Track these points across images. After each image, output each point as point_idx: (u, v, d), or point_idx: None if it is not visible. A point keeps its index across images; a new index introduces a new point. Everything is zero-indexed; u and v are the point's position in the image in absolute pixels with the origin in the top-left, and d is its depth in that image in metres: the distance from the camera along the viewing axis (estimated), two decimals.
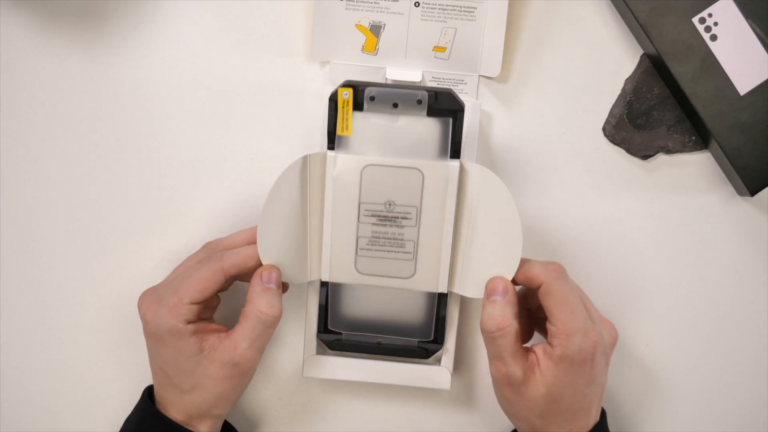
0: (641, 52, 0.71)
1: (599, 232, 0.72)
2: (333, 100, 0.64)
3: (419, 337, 0.69)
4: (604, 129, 0.72)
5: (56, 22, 0.71)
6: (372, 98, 0.64)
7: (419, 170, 0.63)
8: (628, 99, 0.71)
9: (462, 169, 0.63)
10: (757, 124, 0.68)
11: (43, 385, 0.73)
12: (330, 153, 0.64)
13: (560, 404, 0.61)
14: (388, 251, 0.65)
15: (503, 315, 0.61)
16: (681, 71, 0.68)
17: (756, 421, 0.73)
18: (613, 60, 0.71)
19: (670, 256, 0.72)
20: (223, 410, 0.64)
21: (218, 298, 0.67)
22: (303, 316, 0.71)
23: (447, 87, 0.68)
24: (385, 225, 0.65)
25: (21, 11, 0.71)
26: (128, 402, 0.72)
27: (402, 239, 0.65)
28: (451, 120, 0.64)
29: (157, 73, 0.71)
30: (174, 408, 0.64)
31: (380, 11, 0.69)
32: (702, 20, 0.68)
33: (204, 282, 0.62)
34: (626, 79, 0.71)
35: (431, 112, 0.64)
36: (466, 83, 0.70)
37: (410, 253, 0.65)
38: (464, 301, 0.71)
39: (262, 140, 0.71)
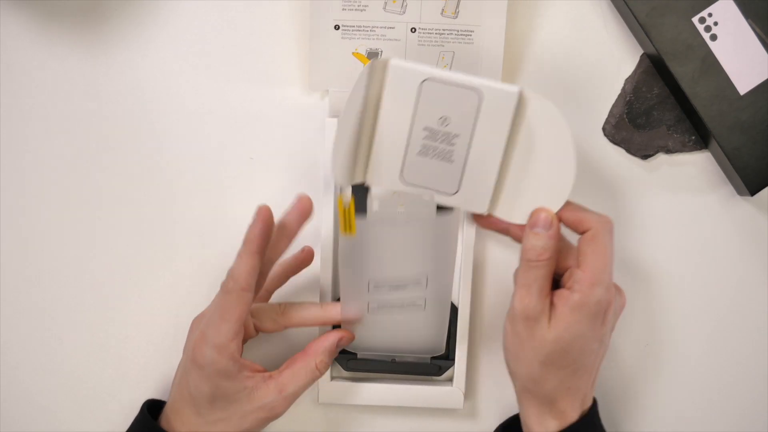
0: (641, 51, 0.71)
1: None
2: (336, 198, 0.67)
3: (431, 353, 0.70)
4: (604, 129, 0.72)
5: (56, 22, 0.71)
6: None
7: (478, 90, 0.61)
8: (628, 99, 0.71)
9: (522, 96, 0.61)
10: (757, 124, 0.68)
11: (43, 385, 0.72)
12: (392, 61, 0.62)
13: (565, 355, 0.60)
14: (436, 165, 0.64)
15: (545, 247, 0.60)
16: (681, 71, 0.68)
17: (756, 421, 0.73)
18: (613, 60, 0.71)
19: (669, 255, 0.72)
20: None
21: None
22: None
23: None
24: (436, 140, 0.63)
25: (21, 11, 0.71)
26: (128, 402, 0.72)
27: (451, 156, 0.63)
28: None
29: (157, 73, 0.71)
30: (184, 427, 0.64)
31: (376, 38, 0.69)
32: (702, 20, 0.68)
33: (232, 312, 0.61)
34: (626, 79, 0.71)
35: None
36: None
37: (458, 170, 0.64)
38: (474, 319, 0.72)
39: (262, 139, 0.71)
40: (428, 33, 0.69)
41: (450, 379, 0.71)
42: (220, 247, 0.71)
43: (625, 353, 0.73)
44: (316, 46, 0.69)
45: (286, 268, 0.69)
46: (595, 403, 0.64)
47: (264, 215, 0.61)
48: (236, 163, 0.71)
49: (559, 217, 0.62)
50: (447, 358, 0.71)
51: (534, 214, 0.61)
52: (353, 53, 0.69)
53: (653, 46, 0.68)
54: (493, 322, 0.72)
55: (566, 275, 0.61)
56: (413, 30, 0.69)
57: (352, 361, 0.70)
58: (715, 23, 0.68)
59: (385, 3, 0.68)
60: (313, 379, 0.64)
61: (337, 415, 0.73)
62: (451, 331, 0.70)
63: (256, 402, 0.62)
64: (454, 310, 0.70)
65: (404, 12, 0.68)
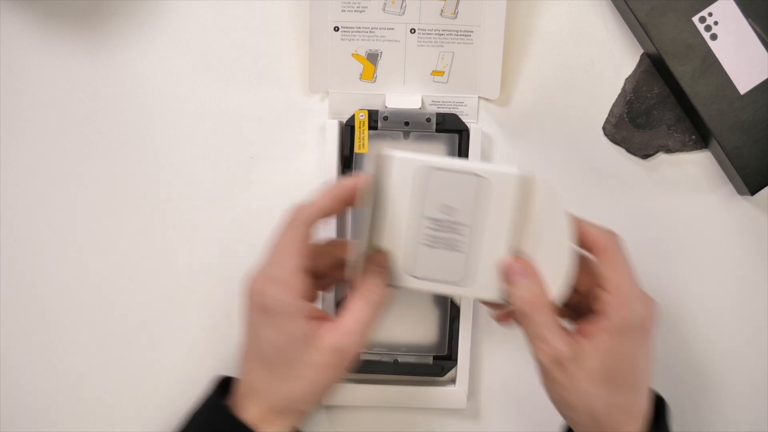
0: (641, 51, 0.71)
1: None
2: (349, 125, 0.68)
3: (434, 353, 0.71)
4: (604, 128, 0.72)
5: (56, 22, 0.71)
6: (385, 118, 0.68)
7: (478, 176, 0.60)
8: (628, 98, 0.71)
9: (523, 178, 0.59)
10: (757, 124, 0.68)
11: (43, 385, 0.73)
12: (391, 153, 0.60)
13: (620, 381, 0.57)
14: (445, 256, 0.61)
15: (531, 292, 0.58)
16: (681, 70, 0.68)
17: (756, 421, 0.73)
18: (613, 60, 0.71)
19: (669, 255, 0.72)
20: (308, 406, 0.60)
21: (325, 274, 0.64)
22: None
23: (451, 112, 0.70)
24: (442, 230, 0.61)
25: (21, 11, 0.71)
26: (128, 402, 0.72)
27: (460, 245, 0.61)
28: (457, 137, 0.69)
29: (157, 73, 0.71)
30: (258, 398, 0.59)
31: (376, 40, 0.69)
32: (702, 19, 0.68)
33: (296, 242, 0.58)
34: (626, 79, 0.71)
35: (440, 130, 0.69)
36: (465, 105, 0.70)
37: (467, 258, 0.61)
38: (476, 318, 0.72)
39: (262, 140, 0.71)
40: (428, 34, 0.69)
41: (453, 380, 0.71)
42: (220, 246, 0.71)
43: None
44: (315, 47, 0.69)
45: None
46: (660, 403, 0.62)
47: (365, 182, 0.58)
48: (236, 164, 0.71)
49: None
50: (449, 358, 0.71)
51: (505, 269, 0.59)
52: (353, 54, 0.69)
53: (653, 45, 0.68)
54: (495, 322, 0.72)
55: (594, 300, 0.59)
56: (413, 31, 0.69)
57: (355, 363, 0.70)
58: (715, 23, 0.67)
59: (385, 4, 0.68)
60: (374, 307, 0.59)
61: (339, 416, 0.73)
62: (453, 331, 0.70)
63: (325, 347, 0.57)
64: (456, 309, 0.70)
65: (404, 13, 0.68)
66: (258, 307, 0.58)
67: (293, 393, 0.58)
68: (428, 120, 0.69)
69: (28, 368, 0.72)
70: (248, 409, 0.59)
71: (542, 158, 0.72)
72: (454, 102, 0.70)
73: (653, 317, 0.58)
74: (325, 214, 0.59)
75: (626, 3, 0.68)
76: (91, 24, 0.71)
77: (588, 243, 0.59)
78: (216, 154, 0.72)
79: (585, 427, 0.59)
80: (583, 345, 0.57)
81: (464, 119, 0.69)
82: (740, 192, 0.71)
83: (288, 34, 0.71)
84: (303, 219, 0.58)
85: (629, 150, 0.71)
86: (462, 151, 0.69)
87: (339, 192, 0.59)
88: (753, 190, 0.69)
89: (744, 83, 0.68)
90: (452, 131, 0.69)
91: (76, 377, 0.72)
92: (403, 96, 0.70)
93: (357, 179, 0.59)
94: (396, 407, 0.71)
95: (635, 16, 0.68)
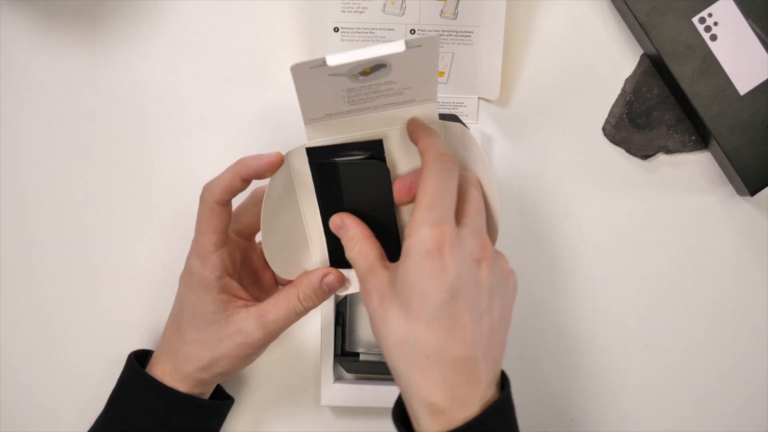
0: (641, 52, 0.71)
1: (599, 232, 0.72)
2: None
3: None
4: (604, 129, 0.72)
5: (56, 21, 0.71)
6: None
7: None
8: (628, 99, 0.71)
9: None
10: (757, 124, 0.68)
11: (43, 385, 0.73)
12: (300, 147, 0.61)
13: (408, 309, 0.52)
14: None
15: (350, 236, 0.59)
16: (681, 71, 0.68)
17: (756, 421, 0.73)
18: (613, 60, 0.71)
19: (670, 255, 0.72)
20: (210, 377, 0.63)
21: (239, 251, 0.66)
22: (317, 344, 0.72)
23: (451, 112, 0.70)
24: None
25: (21, 11, 0.71)
26: None
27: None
28: None
29: (157, 73, 0.71)
30: (167, 357, 0.63)
31: (376, 40, 0.69)
32: (702, 20, 0.68)
33: (206, 221, 0.61)
34: (626, 79, 0.71)
35: None
36: (465, 105, 0.70)
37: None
38: None
39: (263, 140, 0.71)
40: (428, 34, 0.69)
41: None
42: None
43: (624, 353, 0.73)
44: (315, 48, 0.69)
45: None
46: (506, 381, 0.56)
47: (275, 160, 0.59)
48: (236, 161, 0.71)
49: (412, 184, 0.59)
50: None
51: (330, 225, 0.61)
52: None
53: (653, 46, 0.68)
54: None
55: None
56: (413, 31, 0.69)
57: (355, 363, 0.70)
58: (715, 23, 0.67)
59: (385, 4, 0.68)
60: (295, 311, 0.61)
61: (339, 417, 0.73)
62: None
63: (233, 325, 0.61)
64: None
65: (403, 13, 0.68)
66: (185, 275, 0.63)
67: (196, 358, 0.62)
68: None
69: (28, 368, 0.72)
70: (158, 366, 0.63)
71: (542, 159, 0.72)
72: (454, 102, 0.70)
73: (442, 241, 0.52)
74: (232, 191, 0.61)
75: (626, 3, 0.68)
76: (91, 24, 0.71)
77: (413, 136, 0.58)
78: (216, 155, 0.72)
79: (392, 371, 0.54)
80: (390, 269, 0.55)
81: (464, 120, 0.69)
82: (740, 192, 0.71)
83: (288, 34, 0.71)
84: (211, 197, 0.61)
85: (629, 150, 0.71)
86: None
87: (242, 170, 0.60)
88: (753, 190, 0.69)
89: (744, 84, 0.68)
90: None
91: (76, 377, 0.72)
92: None
93: (264, 159, 0.60)
94: None
95: (635, 17, 0.68)
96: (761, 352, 0.73)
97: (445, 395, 0.52)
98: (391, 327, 0.53)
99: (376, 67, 0.56)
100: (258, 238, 0.68)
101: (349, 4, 0.68)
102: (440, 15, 0.68)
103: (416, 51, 0.55)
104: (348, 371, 0.71)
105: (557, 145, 0.72)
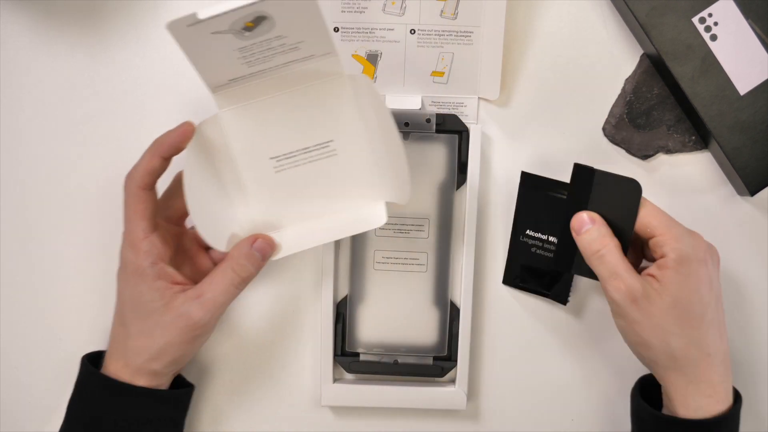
0: (641, 52, 0.71)
1: None
2: None
3: (433, 354, 0.71)
4: (604, 129, 0.72)
5: (56, 22, 0.71)
6: None
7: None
8: (628, 99, 0.71)
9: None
10: (757, 124, 0.68)
11: (43, 385, 0.73)
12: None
13: (690, 314, 0.60)
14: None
15: (600, 235, 0.62)
16: (681, 71, 0.68)
17: (756, 421, 0.74)
18: (613, 60, 0.71)
19: None
20: (162, 367, 0.63)
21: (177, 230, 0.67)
22: (317, 343, 0.72)
23: (451, 113, 0.70)
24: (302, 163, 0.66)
25: (21, 11, 0.71)
26: None
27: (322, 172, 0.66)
28: (457, 138, 0.69)
29: (157, 73, 0.71)
30: (117, 355, 0.63)
31: (376, 40, 0.69)
32: (702, 20, 0.68)
33: (132, 208, 0.62)
34: (626, 79, 0.71)
35: (439, 131, 0.69)
36: (465, 106, 0.70)
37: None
38: (476, 319, 0.72)
39: None
40: (427, 34, 0.69)
41: (452, 380, 0.71)
42: None
43: (622, 352, 0.73)
44: None
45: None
46: (738, 396, 0.64)
47: (186, 129, 0.62)
48: None
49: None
50: (449, 359, 0.71)
51: (574, 220, 0.63)
52: (353, 55, 0.69)
53: (653, 46, 0.68)
54: (495, 323, 0.72)
55: (651, 252, 0.63)
56: (413, 31, 0.69)
57: (355, 363, 0.70)
58: (715, 23, 0.67)
59: (385, 4, 0.68)
60: (232, 284, 0.62)
61: (339, 417, 0.73)
62: (453, 332, 0.70)
63: (174, 311, 0.62)
64: (455, 310, 0.70)
65: (403, 13, 0.68)
66: (120, 268, 0.63)
67: (143, 350, 0.62)
68: (428, 121, 0.69)
69: (28, 368, 0.72)
70: (110, 365, 0.63)
71: (542, 159, 0.72)
72: (454, 103, 0.70)
73: (705, 246, 0.62)
74: (153, 173, 0.62)
75: (626, 3, 0.68)
76: (91, 24, 0.71)
77: None
78: None
79: (663, 365, 0.62)
80: (652, 283, 0.61)
81: (464, 120, 0.70)
82: (740, 193, 0.71)
83: None
84: (134, 184, 0.62)
85: (629, 151, 0.71)
86: (462, 152, 0.69)
87: (158, 148, 0.62)
88: (753, 190, 0.69)
89: (744, 84, 0.68)
90: (452, 132, 0.69)
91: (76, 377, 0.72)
92: (403, 97, 0.70)
93: (176, 132, 0.62)
94: (396, 408, 0.71)
95: (635, 17, 0.68)
96: (761, 351, 0.73)
97: (726, 385, 0.62)
98: (668, 330, 0.60)
99: (257, 19, 0.56)
100: (188, 223, 0.68)
101: (349, 4, 0.68)
102: (440, 15, 0.68)
103: None
104: (348, 371, 0.71)
105: (557, 145, 0.72)
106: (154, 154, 0.62)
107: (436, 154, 0.70)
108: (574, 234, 0.63)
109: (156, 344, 0.62)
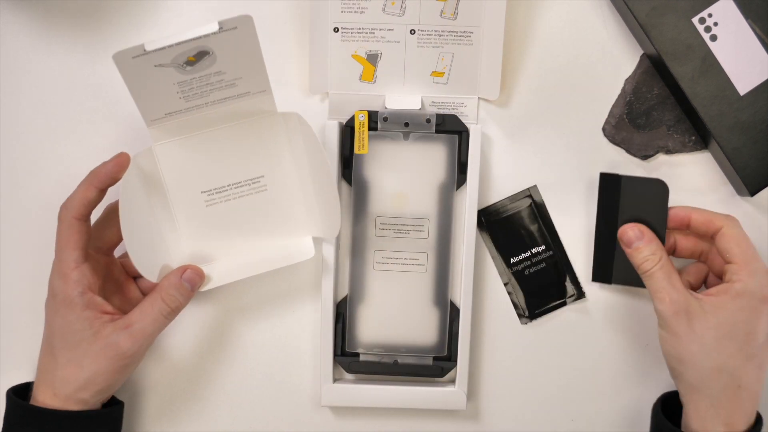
0: (641, 52, 0.71)
1: None
2: (349, 126, 0.69)
3: (433, 354, 0.71)
4: (604, 129, 0.72)
5: (56, 22, 0.71)
6: (385, 119, 0.69)
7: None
8: (628, 99, 0.71)
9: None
10: (757, 124, 0.68)
11: None
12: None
13: (733, 341, 0.61)
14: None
15: (653, 250, 0.64)
16: (681, 71, 0.68)
17: None
18: (613, 60, 0.71)
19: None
20: (91, 396, 0.63)
21: (107, 262, 0.67)
22: (317, 344, 0.72)
23: (451, 113, 0.70)
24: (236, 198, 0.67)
25: (21, 11, 0.71)
26: (128, 401, 0.72)
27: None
28: (457, 138, 0.69)
29: None
30: (44, 385, 0.63)
31: (376, 41, 0.69)
32: (702, 20, 0.68)
33: (65, 237, 0.62)
34: (626, 79, 0.71)
35: (439, 131, 0.69)
36: (465, 106, 0.70)
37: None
38: (475, 319, 0.72)
39: None
40: (427, 34, 0.69)
41: (452, 381, 0.71)
42: None
43: (624, 354, 0.73)
44: (315, 48, 0.69)
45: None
46: (759, 419, 0.64)
47: (121, 159, 0.62)
48: None
49: (690, 220, 0.66)
50: (449, 359, 0.71)
51: (623, 234, 0.65)
52: (353, 55, 0.69)
53: (653, 46, 0.68)
54: (494, 323, 0.72)
55: (724, 273, 0.64)
56: (412, 32, 0.69)
57: (355, 364, 0.70)
58: (715, 23, 0.67)
59: (384, 5, 0.68)
60: (161, 315, 0.63)
61: (339, 417, 0.73)
62: (453, 332, 0.70)
63: (103, 340, 0.62)
64: (455, 310, 0.70)
65: (403, 14, 0.68)
66: (49, 298, 0.64)
67: (72, 379, 0.62)
68: (428, 121, 0.69)
69: (28, 368, 0.72)
70: (38, 395, 0.63)
71: (542, 159, 0.72)
72: (453, 103, 0.70)
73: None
74: (89, 204, 0.63)
75: (626, 4, 0.68)
76: (91, 24, 0.71)
77: (708, 222, 0.65)
78: None
79: (691, 383, 0.62)
80: (705, 302, 0.62)
81: (464, 120, 0.70)
82: (740, 193, 0.71)
83: (288, 34, 0.71)
84: (69, 214, 0.62)
85: (629, 151, 0.71)
86: (462, 152, 0.69)
87: (94, 179, 0.62)
88: (753, 191, 0.69)
89: (744, 84, 0.68)
90: (452, 132, 0.69)
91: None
92: (403, 97, 0.70)
93: (111, 163, 0.62)
94: (396, 408, 0.71)
95: (635, 17, 0.68)
96: None
97: (746, 421, 0.62)
98: (705, 350, 0.61)
99: (199, 54, 0.57)
100: (117, 252, 0.69)
101: (349, 4, 0.68)
102: (440, 15, 0.68)
103: (234, 34, 0.56)
104: (348, 371, 0.71)
105: (557, 146, 0.72)
106: (90, 185, 0.63)
107: (436, 155, 0.70)
108: (624, 247, 0.65)
109: (84, 373, 0.62)
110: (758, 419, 0.64)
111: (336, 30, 0.69)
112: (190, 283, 0.64)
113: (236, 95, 0.62)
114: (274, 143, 0.66)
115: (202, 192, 0.67)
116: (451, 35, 0.69)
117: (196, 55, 0.57)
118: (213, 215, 0.67)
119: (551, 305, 0.72)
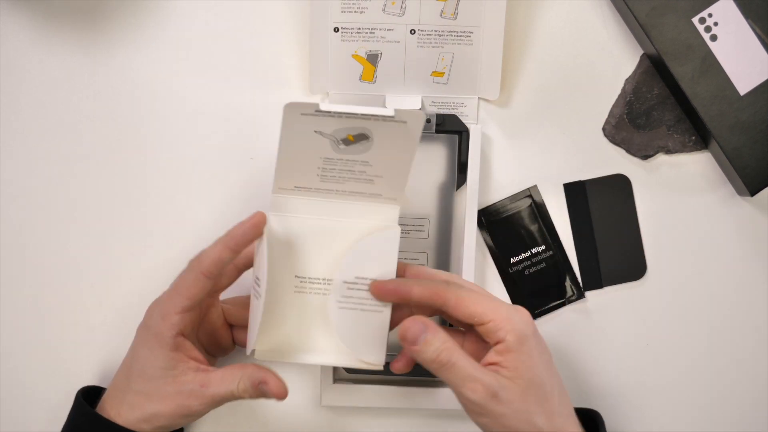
0: (641, 52, 0.71)
1: None
2: None
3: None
4: (604, 129, 0.72)
5: (56, 21, 0.71)
6: None
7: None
8: (628, 99, 0.71)
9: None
10: (757, 124, 0.68)
11: (43, 385, 0.73)
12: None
13: (544, 388, 0.59)
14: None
15: (443, 339, 0.58)
16: (681, 71, 0.68)
17: (756, 421, 0.73)
18: (613, 60, 0.71)
19: (670, 255, 0.72)
20: (150, 429, 0.63)
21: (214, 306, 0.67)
22: None
23: (451, 113, 0.70)
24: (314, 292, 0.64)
25: (21, 11, 0.71)
26: None
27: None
28: (457, 138, 0.69)
29: (157, 73, 0.71)
30: (113, 402, 0.64)
31: (376, 40, 0.69)
32: (702, 20, 0.68)
33: (186, 286, 0.62)
34: (626, 79, 0.71)
35: (439, 131, 0.69)
36: (465, 106, 0.70)
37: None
38: None
39: (262, 140, 0.71)
40: (427, 34, 0.69)
41: None
42: None
43: (625, 353, 0.73)
44: (315, 48, 0.69)
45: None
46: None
47: (257, 220, 0.61)
48: (237, 165, 0.71)
49: (410, 295, 0.61)
50: None
51: (405, 332, 0.59)
52: (353, 55, 0.69)
53: (653, 46, 0.68)
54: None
55: (484, 337, 0.60)
56: (413, 32, 0.69)
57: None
58: (715, 23, 0.67)
59: (385, 5, 0.68)
60: (233, 395, 0.62)
61: (339, 417, 0.73)
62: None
63: (178, 386, 0.62)
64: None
65: (403, 14, 0.68)
66: (144, 325, 0.64)
67: (137, 408, 0.63)
68: (428, 121, 0.69)
69: (28, 368, 0.72)
70: (108, 407, 0.63)
71: (542, 159, 0.72)
72: (454, 103, 0.70)
73: (528, 316, 0.60)
74: (220, 264, 0.62)
75: (626, 3, 0.68)
76: (91, 24, 0.71)
77: (431, 300, 0.60)
78: (216, 156, 0.72)
79: None
80: (502, 372, 0.58)
81: (464, 120, 0.70)
82: (740, 193, 0.71)
83: (288, 34, 0.71)
84: (199, 267, 0.62)
85: (629, 151, 0.71)
86: (462, 152, 0.69)
87: (230, 241, 0.61)
88: (753, 190, 0.69)
89: (744, 84, 0.68)
90: (452, 132, 0.69)
91: (76, 377, 0.72)
92: (403, 97, 0.70)
93: (247, 224, 0.61)
94: (396, 408, 0.71)
95: (635, 17, 0.68)
96: (762, 351, 0.73)
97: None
98: (526, 410, 0.58)
99: (359, 136, 0.56)
100: (221, 296, 0.68)
101: (349, 4, 0.68)
102: (440, 15, 0.68)
103: (400, 128, 0.55)
104: (348, 371, 0.71)
105: (557, 146, 0.72)
106: (225, 247, 0.61)
107: (436, 154, 0.70)
108: (407, 345, 0.59)
109: (151, 408, 0.62)
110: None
111: (336, 30, 0.69)
112: (263, 393, 0.62)
113: (368, 193, 0.60)
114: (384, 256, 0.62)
115: (296, 276, 0.63)
116: (451, 35, 0.69)
117: (356, 136, 0.56)
118: (295, 303, 0.64)
119: (551, 305, 0.72)
